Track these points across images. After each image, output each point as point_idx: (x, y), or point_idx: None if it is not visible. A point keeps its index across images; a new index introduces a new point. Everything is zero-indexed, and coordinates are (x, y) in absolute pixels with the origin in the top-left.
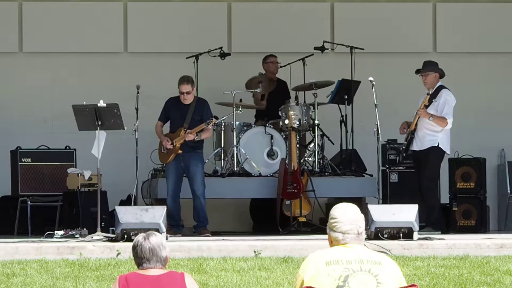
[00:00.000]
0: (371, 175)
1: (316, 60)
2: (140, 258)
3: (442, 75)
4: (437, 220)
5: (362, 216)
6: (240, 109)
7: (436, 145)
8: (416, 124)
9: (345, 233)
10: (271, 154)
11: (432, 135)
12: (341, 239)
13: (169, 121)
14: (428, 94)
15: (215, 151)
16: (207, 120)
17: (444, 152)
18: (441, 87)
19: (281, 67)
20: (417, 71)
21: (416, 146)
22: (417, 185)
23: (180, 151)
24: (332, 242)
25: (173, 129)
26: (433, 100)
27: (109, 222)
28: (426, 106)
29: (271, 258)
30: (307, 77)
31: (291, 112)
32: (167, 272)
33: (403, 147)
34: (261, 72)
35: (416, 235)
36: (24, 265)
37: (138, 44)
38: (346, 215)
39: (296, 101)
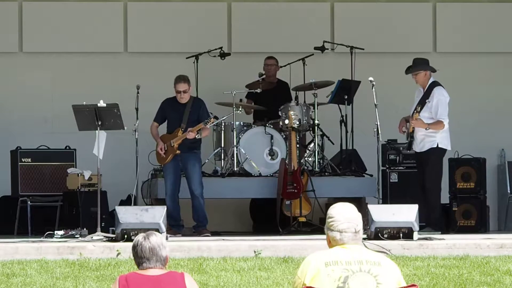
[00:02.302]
0: (371, 175)
1: (316, 60)
2: (140, 257)
3: (433, 71)
4: (437, 220)
5: (359, 215)
6: (240, 109)
7: (435, 146)
8: (413, 126)
9: (342, 231)
10: (271, 154)
11: (430, 136)
12: (338, 238)
13: (165, 122)
14: (415, 116)
15: (215, 151)
16: (205, 120)
17: (445, 150)
18: (434, 84)
19: (281, 67)
20: (407, 71)
21: (417, 147)
22: (418, 185)
23: (178, 151)
24: (331, 242)
25: (171, 129)
26: (426, 101)
27: (109, 222)
28: (421, 108)
29: (271, 258)
30: (307, 77)
31: (291, 112)
32: (167, 272)
33: (406, 145)
34: (261, 72)
35: (416, 235)
36: (24, 265)
37: (138, 44)
38: (343, 214)
39: (296, 101)
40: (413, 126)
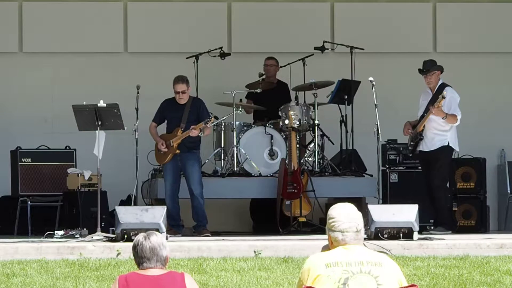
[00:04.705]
0: (371, 175)
1: (316, 60)
2: (140, 257)
3: (442, 71)
4: (448, 219)
5: (359, 214)
6: (240, 109)
7: (447, 144)
8: (423, 125)
9: (344, 231)
10: (271, 154)
11: (441, 135)
12: (340, 238)
13: (164, 123)
14: (438, 104)
15: (215, 151)
16: (205, 119)
17: (454, 149)
18: (444, 85)
19: (281, 67)
20: (421, 72)
21: (426, 146)
22: (425, 185)
23: (177, 151)
24: (333, 243)
25: (170, 129)
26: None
27: (109, 222)
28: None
29: (271, 258)
30: (307, 77)
31: (291, 112)
32: (167, 272)
33: (410, 148)
34: (261, 72)
35: (416, 235)
36: (24, 265)
37: (138, 44)
38: (343, 214)
39: (296, 101)
40: (433, 113)
